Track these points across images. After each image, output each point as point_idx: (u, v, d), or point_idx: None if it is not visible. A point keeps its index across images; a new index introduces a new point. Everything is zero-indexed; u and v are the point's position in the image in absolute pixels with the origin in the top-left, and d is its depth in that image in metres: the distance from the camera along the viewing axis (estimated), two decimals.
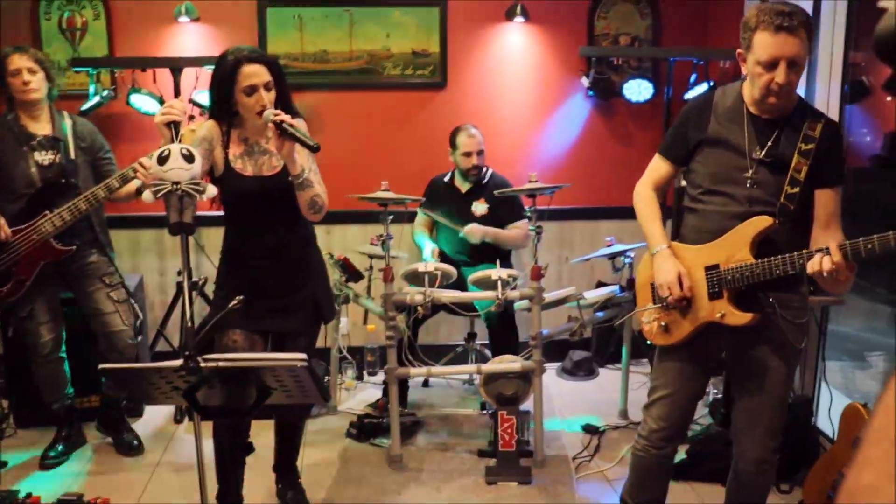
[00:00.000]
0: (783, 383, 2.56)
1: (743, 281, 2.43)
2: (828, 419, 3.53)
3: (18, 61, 3.48)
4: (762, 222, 2.41)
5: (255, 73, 2.73)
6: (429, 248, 4.41)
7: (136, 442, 3.84)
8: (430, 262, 3.83)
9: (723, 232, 2.48)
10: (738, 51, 2.41)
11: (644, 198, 2.72)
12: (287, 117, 2.65)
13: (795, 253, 2.33)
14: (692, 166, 2.60)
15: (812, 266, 2.26)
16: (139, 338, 3.89)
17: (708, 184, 2.53)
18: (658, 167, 2.71)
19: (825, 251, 2.24)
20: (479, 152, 4.40)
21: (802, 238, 2.44)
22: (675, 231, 2.67)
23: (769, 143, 2.43)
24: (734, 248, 2.45)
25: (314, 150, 2.65)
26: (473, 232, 4.25)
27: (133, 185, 3.58)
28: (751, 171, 2.44)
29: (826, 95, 3.70)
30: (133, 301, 3.83)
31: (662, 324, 2.63)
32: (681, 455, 3.51)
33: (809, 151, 2.38)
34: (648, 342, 2.73)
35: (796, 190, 2.39)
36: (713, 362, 2.71)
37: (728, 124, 2.49)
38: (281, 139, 2.65)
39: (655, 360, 2.75)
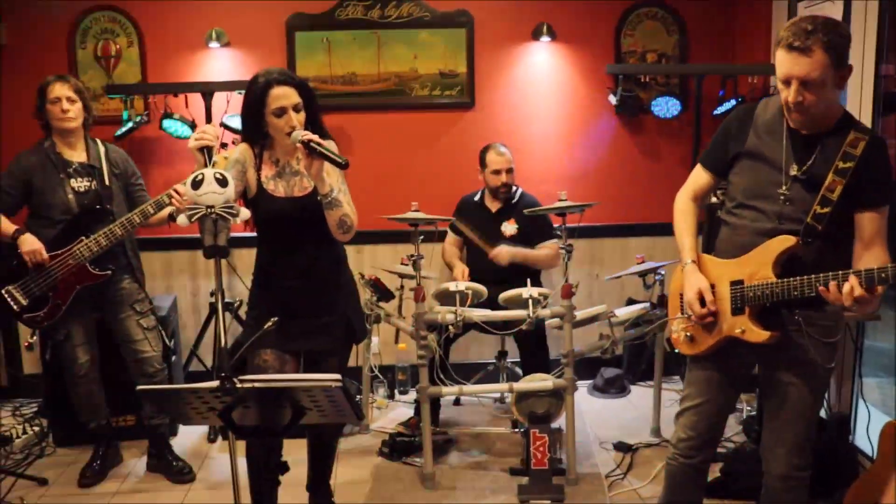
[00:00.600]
0: (809, 402, 2.52)
1: (764, 299, 2.41)
2: (866, 437, 3.48)
3: (59, 90, 3.57)
4: (785, 242, 2.39)
5: (284, 95, 2.78)
6: (458, 269, 4.41)
7: (186, 469, 3.84)
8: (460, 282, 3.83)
9: (752, 247, 2.46)
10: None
11: (681, 209, 2.71)
12: (315, 136, 2.69)
13: (814, 276, 2.29)
14: (730, 178, 2.59)
15: (825, 292, 2.25)
16: (171, 360, 3.94)
17: (742, 198, 2.52)
18: (698, 177, 2.71)
19: (840, 278, 2.22)
20: (509, 170, 4.42)
21: (836, 257, 2.36)
22: (706, 247, 2.65)
23: (807, 160, 2.39)
24: (759, 265, 2.43)
25: (343, 166, 2.68)
26: (501, 254, 4.26)
27: (166, 212, 3.64)
28: (785, 188, 2.41)
29: (857, 108, 3.68)
30: (161, 328, 3.88)
31: (688, 334, 2.63)
32: (715, 472, 3.48)
33: (847, 170, 2.32)
34: (675, 350, 2.73)
35: (827, 210, 2.34)
36: (744, 376, 2.69)
37: (767, 138, 2.46)
38: (309, 158, 2.69)
39: (686, 370, 2.75)
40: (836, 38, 2.22)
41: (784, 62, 2.26)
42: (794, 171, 2.40)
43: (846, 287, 2.19)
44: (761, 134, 2.48)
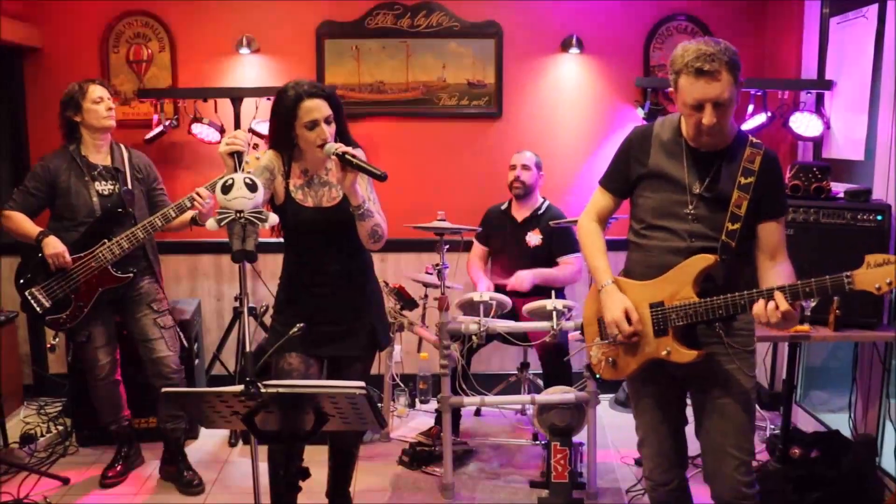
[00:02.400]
0: (742, 414, 2.50)
1: (686, 318, 2.40)
2: (893, 459, 3.43)
3: (101, 91, 3.63)
4: (704, 261, 2.39)
5: (315, 108, 2.78)
6: (483, 284, 4.40)
7: (196, 481, 3.82)
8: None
9: (667, 267, 2.46)
10: (670, 89, 2.42)
11: (587, 231, 2.70)
12: (349, 149, 2.70)
13: (737, 294, 2.31)
14: (635, 200, 2.60)
15: (757, 309, 2.26)
16: (194, 363, 3.95)
17: (650, 218, 2.52)
18: (599, 199, 2.70)
19: (766, 295, 2.24)
20: (524, 167, 4.43)
21: (744, 271, 2.43)
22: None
23: (708, 178, 2.43)
24: (678, 285, 2.42)
25: (381, 178, 2.68)
26: (522, 280, 4.25)
27: (188, 216, 3.67)
28: (691, 207, 2.44)
29: (889, 123, 3.63)
30: (179, 329, 3.89)
31: (610, 359, 2.61)
32: None
33: (749, 185, 2.38)
34: (598, 376, 2.71)
35: (737, 226, 2.39)
36: (679, 387, 2.66)
37: (667, 158, 2.49)
38: (343, 171, 2.69)
39: (632, 401, 2.75)
40: (734, 57, 2.30)
41: (695, 87, 2.29)
42: (697, 189, 2.44)
43: (771, 304, 2.22)
44: (662, 154, 2.50)
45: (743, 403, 2.50)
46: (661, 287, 2.46)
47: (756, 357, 2.58)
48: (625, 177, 2.59)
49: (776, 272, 2.38)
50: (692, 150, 2.45)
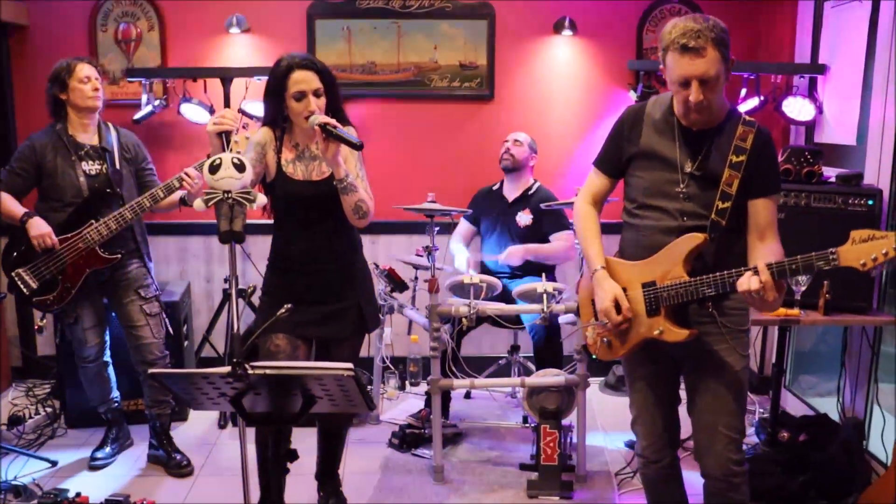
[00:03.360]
0: (733, 393, 2.51)
1: (678, 298, 2.41)
2: (880, 443, 3.45)
3: (89, 70, 3.58)
4: (695, 240, 2.39)
5: (304, 80, 2.79)
6: (462, 256, 4.40)
7: (185, 462, 3.82)
8: (472, 273, 3.81)
9: (659, 247, 2.46)
10: (661, 66, 2.40)
11: (581, 214, 2.69)
12: (332, 120, 2.70)
13: (726, 272, 2.31)
14: (627, 180, 2.60)
15: (741, 285, 2.25)
16: (184, 345, 3.92)
17: (642, 198, 2.52)
18: (593, 181, 2.70)
19: (754, 270, 2.24)
20: (517, 142, 4.45)
21: (735, 250, 2.42)
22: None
23: (700, 156, 2.42)
24: (669, 265, 2.42)
25: (357, 147, 2.72)
26: (512, 254, 4.25)
27: (176, 196, 3.64)
28: (683, 185, 2.43)
29: (882, 114, 3.63)
30: (164, 315, 3.86)
31: (605, 339, 2.62)
32: None
33: (741, 163, 2.37)
34: (594, 356, 2.72)
35: (727, 205, 2.38)
36: (673, 366, 2.66)
37: (659, 137, 2.48)
38: (326, 142, 2.70)
39: (626, 379, 2.76)
40: (721, 34, 2.28)
41: (680, 64, 2.28)
42: (689, 168, 2.43)
43: (755, 277, 2.21)
44: (654, 133, 2.49)
45: (735, 383, 2.50)
46: (653, 267, 2.46)
47: (749, 337, 2.58)
48: (617, 156, 2.59)
49: (764, 252, 2.36)
50: (684, 128, 2.44)
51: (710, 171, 2.40)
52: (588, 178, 2.72)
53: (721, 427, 2.51)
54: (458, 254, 4.46)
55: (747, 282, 2.23)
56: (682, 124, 2.44)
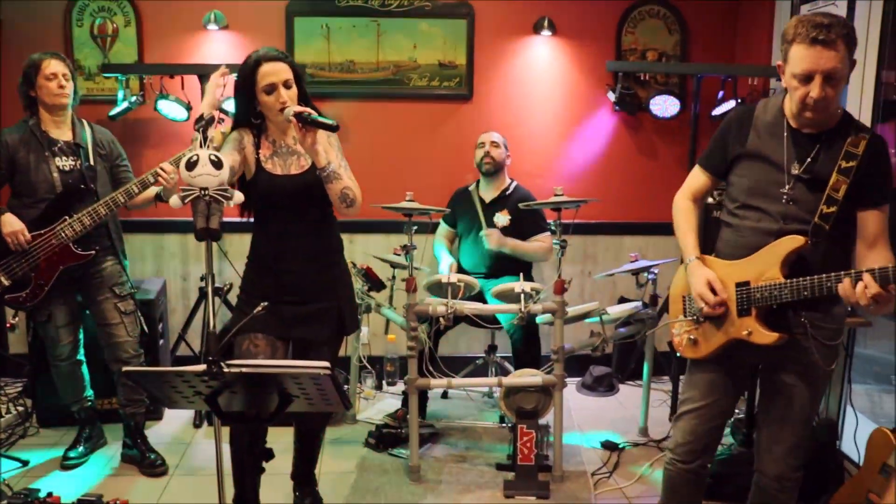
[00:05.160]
0: (809, 404, 2.52)
1: (771, 300, 2.39)
2: (853, 443, 3.48)
3: (56, 66, 3.52)
4: (794, 242, 2.36)
5: (273, 72, 2.77)
6: (446, 262, 4.41)
7: (159, 461, 3.78)
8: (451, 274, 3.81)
9: (756, 248, 2.44)
10: (778, 63, 2.36)
11: (681, 209, 2.70)
12: (306, 108, 2.69)
13: (825, 276, 2.27)
14: (730, 179, 2.57)
15: (843, 289, 2.22)
16: (159, 343, 3.89)
17: (744, 198, 2.50)
18: (697, 178, 2.70)
19: (853, 276, 2.20)
20: (494, 144, 4.45)
21: (840, 258, 2.37)
22: (702, 247, 2.65)
23: (808, 159, 2.37)
24: (766, 266, 2.41)
25: (334, 129, 2.68)
26: (491, 235, 4.24)
27: (152, 192, 3.61)
28: (787, 187, 2.39)
29: (857, 114, 3.66)
30: (139, 313, 3.82)
31: (691, 337, 2.61)
32: None
33: (850, 169, 2.31)
34: (678, 354, 2.71)
35: (833, 209, 2.33)
36: (744, 379, 2.68)
37: (768, 138, 2.45)
38: (303, 131, 2.67)
39: (686, 372, 2.73)
40: (851, 31, 2.23)
41: (807, 57, 2.22)
42: (795, 171, 2.39)
43: (860, 285, 2.18)
44: (762, 134, 2.46)
45: (811, 396, 2.50)
46: (749, 267, 2.45)
47: (839, 353, 2.53)
48: (722, 156, 2.57)
49: (875, 259, 2.31)
50: (794, 130, 2.40)
51: (818, 175, 2.35)
52: (690, 174, 2.73)
53: (786, 433, 2.52)
54: (443, 261, 4.46)
55: (852, 291, 2.19)
56: (793, 126, 2.40)
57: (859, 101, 3.66)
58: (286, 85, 2.78)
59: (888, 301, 2.19)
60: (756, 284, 2.42)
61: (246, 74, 2.80)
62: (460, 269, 4.46)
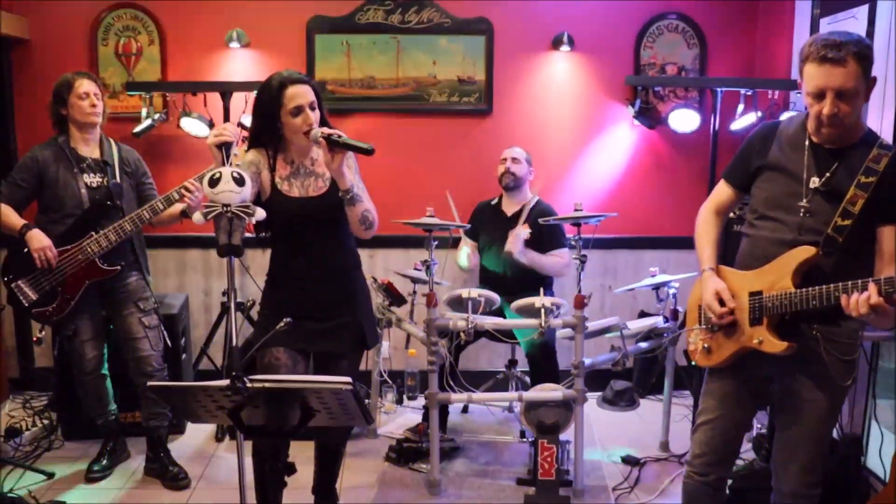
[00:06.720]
0: (823, 419, 2.50)
1: (782, 309, 2.39)
2: (878, 459, 3.45)
3: (89, 86, 3.61)
4: (805, 252, 2.37)
5: (299, 94, 2.79)
6: (464, 252, 4.48)
7: (182, 475, 3.80)
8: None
9: (770, 258, 2.46)
10: (799, 80, 2.38)
11: (703, 220, 2.73)
12: (335, 130, 2.71)
13: (832, 285, 2.27)
14: (753, 192, 2.59)
15: (844, 301, 2.22)
16: (181, 358, 3.92)
17: (762, 209, 2.52)
18: (721, 191, 2.72)
19: (859, 287, 2.20)
20: (515, 160, 4.46)
21: (856, 272, 2.33)
22: (720, 261, 2.66)
23: (828, 173, 2.38)
24: (778, 276, 2.42)
25: (369, 153, 2.68)
26: (513, 242, 4.23)
27: (177, 208, 3.66)
28: (805, 200, 2.41)
29: (878, 129, 3.65)
30: (163, 328, 3.87)
31: (706, 345, 2.62)
32: None
33: (869, 184, 2.31)
34: (693, 362, 2.72)
35: (848, 222, 2.33)
36: (761, 391, 2.66)
37: (789, 151, 2.47)
38: (332, 153, 2.68)
39: (704, 384, 2.73)
40: (865, 49, 2.24)
41: (817, 74, 2.25)
42: (814, 184, 2.40)
43: (864, 295, 2.17)
44: (784, 148, 2.48)
45: (826, 412, 2.49)
46: (762, 277, 2.47)
47: (857, 368, 2.49)
48: (745, 169, 2.59)
49: (886, 274, 2.28)
50: (815, 145, 2.42)
51: (836, 188, 2.36)
52: (716, 188, 2.75)
53: (801, 450, 2.51)
54: (463, 247, 4.51)
55: (856, 304, 2.18)
56: (814, 141, 2.42)
57: (880, 116, 3.64)
58: (311, 107, 2.81)
59: (887, 313, 2.19)
60: (768, 294, 2.43)
61: (271, 97, 2.80)
62: (481, 282, 4.47)
